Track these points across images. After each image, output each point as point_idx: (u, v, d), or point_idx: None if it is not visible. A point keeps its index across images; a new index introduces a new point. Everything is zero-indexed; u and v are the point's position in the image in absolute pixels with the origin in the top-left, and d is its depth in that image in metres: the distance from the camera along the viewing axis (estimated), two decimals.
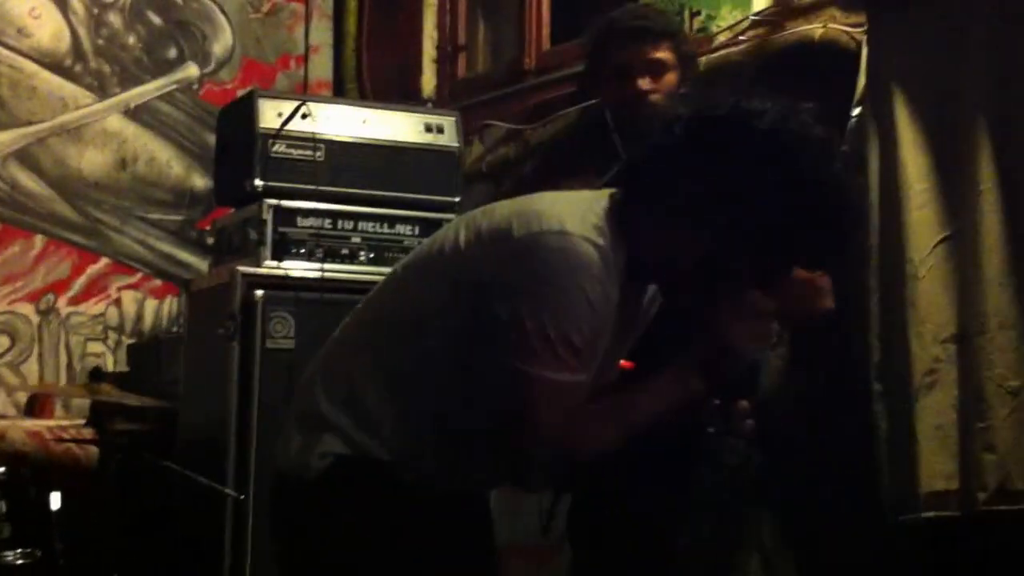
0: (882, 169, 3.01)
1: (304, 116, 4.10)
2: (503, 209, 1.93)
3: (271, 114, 4.08)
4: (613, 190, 1.92)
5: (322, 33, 5.67)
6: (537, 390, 1.80)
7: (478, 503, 2.13)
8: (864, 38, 3.15)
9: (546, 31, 4.72)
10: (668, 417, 1.88)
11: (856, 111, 3.10)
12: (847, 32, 3.26)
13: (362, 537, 1.92)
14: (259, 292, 3.80)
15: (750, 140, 1.76)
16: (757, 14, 3.59)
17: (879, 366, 3.07)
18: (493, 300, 1.83)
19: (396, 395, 1.92)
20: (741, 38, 3.66)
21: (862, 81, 3.11)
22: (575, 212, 1.85)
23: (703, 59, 3.72)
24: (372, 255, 4.01)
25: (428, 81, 5.17)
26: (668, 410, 1.87)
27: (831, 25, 3.31)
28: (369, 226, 4.04)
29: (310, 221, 4.01)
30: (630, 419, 1.87)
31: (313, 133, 4.10)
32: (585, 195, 1.93)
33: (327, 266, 3.94)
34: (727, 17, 3.79)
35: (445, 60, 5.17)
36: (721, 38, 3.78)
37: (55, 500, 4.03)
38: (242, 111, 4.21)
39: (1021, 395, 2.83)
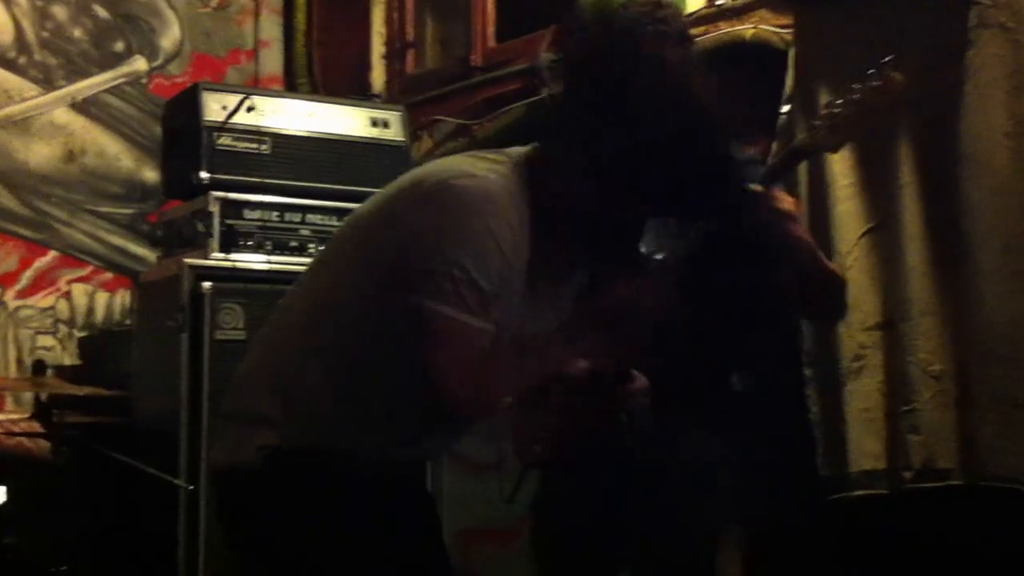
0: (810, 164, 3.20)
1: (249, 109, 4.25)
2: (412, 171, 2.05)
3: (216, 107, 4.23)
4: (527, 149, 2.02)
5: (272, 28, 5.79)
6: (442, 328, 1.85)
7: (417, 489, 2.22)
8: (792, 38, 3.34)
9: (492, 28, 4.86)
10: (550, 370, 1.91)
11: (786, 108, 3.29)
12: (777, 32, 3.45)
13: (304, 531, 1.97)
14: (207, 284, 3.94)
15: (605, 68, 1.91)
16: (691, 15, 3.77)
17: (810, 352, 3.26)
18: (406, 247, 1.89)
19: (331, 372, 2.00)
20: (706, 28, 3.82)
21: (791, 80, 3.30)
22: (481, 162, 1.95)
23: None
24: (320, 247, 4.15)
25: (378, 77, 5.31)
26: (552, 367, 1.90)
27: (761, 26, 3.51)
28: (317, 218, 4.19)
29: (257, 214, 4.15)
30: (528, 373, 1.90)
31: (258, 126, 4.25)
32: (495, 153, 2.02)
33: (275, 258, 4.09)
34: (690, 5, 3.95)
35: (394, 56, 5.31)
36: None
37: (1, 493, 4.15)
38: (187, 104, 4.35)
39: (943, 379, 3.02)
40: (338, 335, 2.00)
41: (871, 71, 2.31)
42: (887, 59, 2.30)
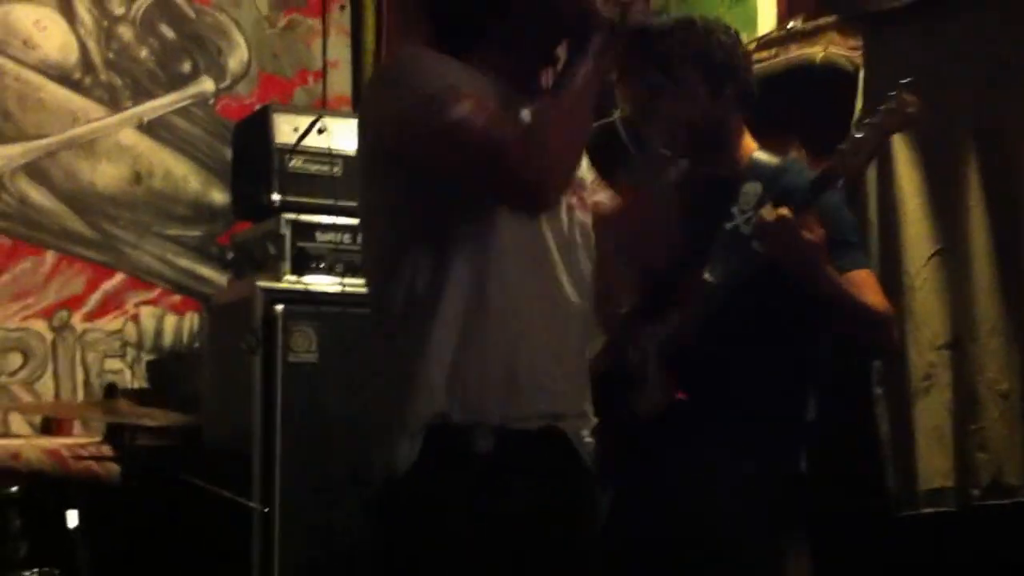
0: (880, 186, 3.58)
1: (320, 131, 4.64)
2: None
3: (287, 129, 4.63)
4: None
5: (340, 48, 6.24)
6: (459, 129, 1.97)
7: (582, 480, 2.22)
8: (861, 61, 3.73)
9: None
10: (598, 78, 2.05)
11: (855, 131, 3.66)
12: (846, 55, 3.83)
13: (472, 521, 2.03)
14: (279, 307, 4.31)
15: None
16: (761, 38, 4.16)
17: (880, 372, 3.62)
18: (393, 132, 2.06)
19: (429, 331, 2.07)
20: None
21: (860, 102, 3.67)
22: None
23: None
24: None
25: None
26: (597, 71, 2.04)
27: (831, 49, 3.88)
28: None
29: (329, 236, 4.53)
30: (571, 99, 2.02)
31: (329, 148, 4.64)
32: None
33: (347, 280, 4.44)
34: None
35: None
36: None
37: (73, 518, 4.52)
38: (257, 126, 4.77)
39: (1011, 397, 3.38)
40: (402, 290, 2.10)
41: (891, 93, 2.62)
42: (904, 81, 2.60)
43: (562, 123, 2.00)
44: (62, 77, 5.71)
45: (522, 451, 2.08)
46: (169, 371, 5.40)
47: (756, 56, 4.15)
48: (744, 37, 4.27)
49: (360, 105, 2.24)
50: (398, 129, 2.05)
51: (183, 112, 5.93)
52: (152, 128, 5.87)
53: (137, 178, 5.80)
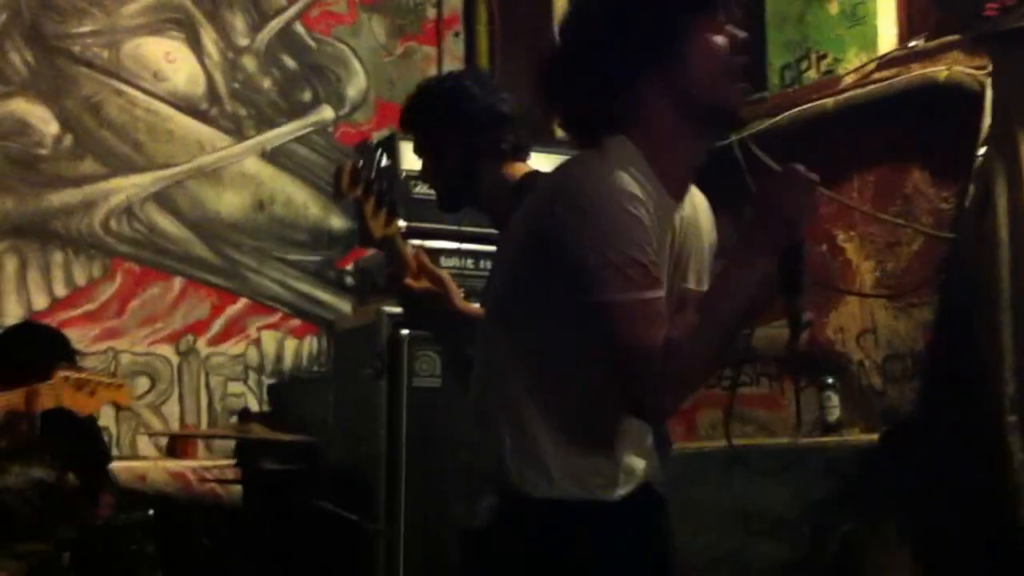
0: (1010, 206, 3.52)
1: None
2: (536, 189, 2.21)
3: (412, 155, 4.67)
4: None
5: None
6: (621, 316, 1.97)
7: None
8: (988, 80, 3.68)
9: None
10: (753, 309, 2.02)
11: (982, 151, 3.62)
12: (971, 74, 3.79)
13: None
14: (405, 332, 4.35)
15: None
16: (883, 57, 4.13)
17: (1014, 398, 3.56)
18: (557, 252, 2.02)
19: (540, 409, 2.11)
20: (868, 80, 4.19)
21: (987, 121, 3.62)
22: (600, 154, 2.08)
23: (829, 100, 4.29)
24: None
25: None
26: (751, 301, 2.00)
27: (955, 68, 3.85)
28: None
29: (453, 261, 4.56)
30: (722, 322, 1.99)
31: None
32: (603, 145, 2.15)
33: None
34: (853, 60, 4.34)
35: None
36: (847, 80, 4.32)
37: (203, 541, 4.59)
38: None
39: None
40: (523, 365, 2.13)
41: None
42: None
43: (708, 357, 2.00)
44: (189, 108, 5.89)
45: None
46: (289, 395, 5.47)
47: (876, 76, 4.13)
48: (864, 56, 4.28)
49: (534, 198, 2.17)
50: (566, 264, 2.03)
51: (303, 140, 6.06)
52: (274, 156, 6.02)
53: (260, 205, 5.94)
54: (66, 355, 4.41)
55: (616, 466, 2.14)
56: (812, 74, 4.51)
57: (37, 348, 4.39)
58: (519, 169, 2.97)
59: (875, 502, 3.07)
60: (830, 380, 4.07)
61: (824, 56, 4.47)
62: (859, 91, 4.23)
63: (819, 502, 3.30)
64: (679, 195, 2.16)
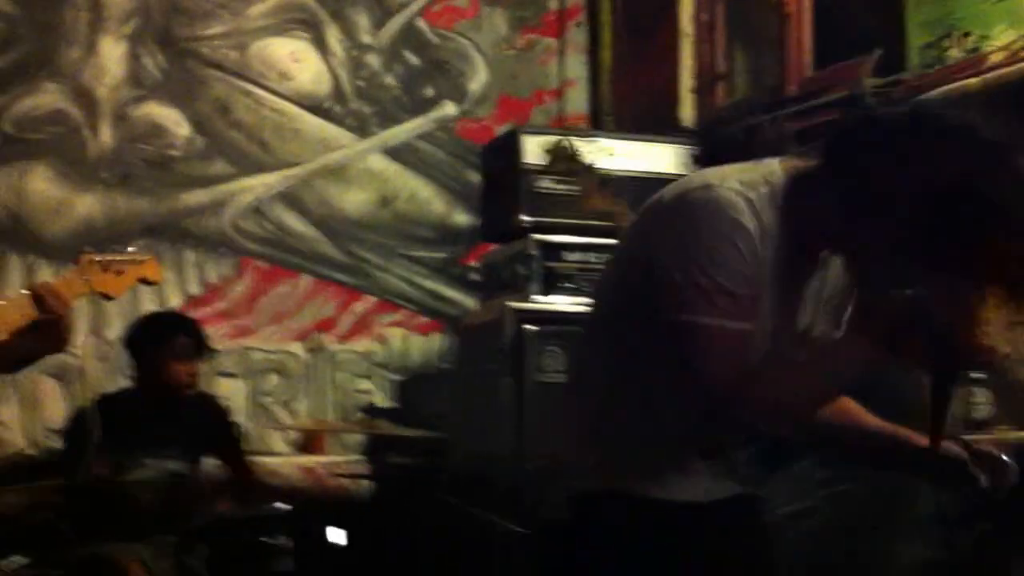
0: None
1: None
2: (664, 188, 2.16)
3: (534, 150, 4.64)
4: (789, 161, 2.10)
5: (577, 66, 6.28)
6: (702, 340, 1.98)
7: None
8: None
9: (808, 56, 5.12)
10: (842, 383, 2.04)
11: None
12: None
13: None
14: (530, 327, 4.31)
15: (958, 138, 1.93)
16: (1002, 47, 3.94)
17: None
18: (651, 265, 2.03)
19: (607, 411, 2.16)
20: (1018, 58, 4.01)
21: None
22: (725, 172, 2.07)
23: (974, 80, 4.10)
24: None
25: (687, 111, 5.64)
26: (844, 376, 2.01)
27: None
28: None
29: (576, 255, 4.52)
30: (806, 380, 2.01)
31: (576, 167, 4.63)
32: (748, 164, 2.12)
33: None
34: (1000, 36, 4.16)
35: (704, 89, 5.65)
36: (995, 58, 4.14)
37: (335, 536, 4.61)
38: (505, 147, 4.79)
39: None
40: (608, 371, 2.17)
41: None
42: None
43: (776, 394, 2.01)
44: (315, 106, 5.91)
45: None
46: (416, 391, 5.47)
47: None
48: (1012, 33, 4.09)
49: (645, 217, 2.17)
50: (643, 275, 2.05)
51: (427, 136, 6.05)
52: (397, 153, 6.01)
53: (384, 202, 5.94)
54: None
55: (683, 471, 2.16)
56: (954, 53, 4.34)
57: None
58: None
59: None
60: (978, 376, 3.91)
61: (968, 34, 4.30)
62: (1008, 69, 4.03)
63: (966, 501, 3.17)
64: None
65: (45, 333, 2.67)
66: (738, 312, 1.97)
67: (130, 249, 2.98)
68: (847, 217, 1.99)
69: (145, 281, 2.98)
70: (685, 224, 2.00)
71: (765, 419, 2.07)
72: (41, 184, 5.38)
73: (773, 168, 2.08)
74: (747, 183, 2.02)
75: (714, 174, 2.07)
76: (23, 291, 2.69)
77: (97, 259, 2.88)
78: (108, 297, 2.85)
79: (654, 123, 5.57)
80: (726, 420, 2.06)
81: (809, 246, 2.09)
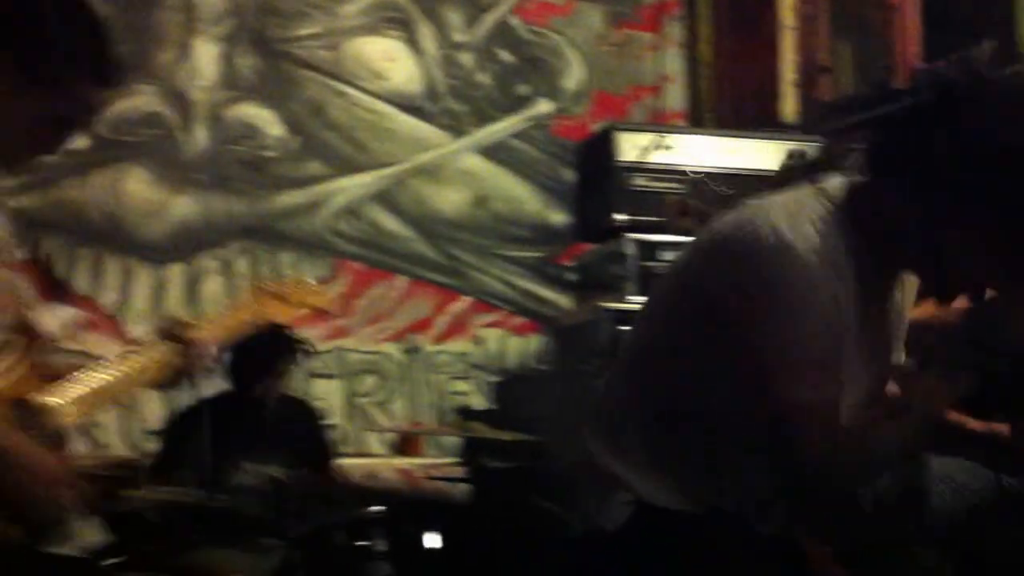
0: None
1: (665, 148, 4.56)
2: (714, 229, 2.06)
3: (629, 147, 4.56)
4: (840, 181, 1.99)
5: (674, 61, 6.19)
6: (795, 417, 1.88)
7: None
8: None
9: (916, 47, 5.00)
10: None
11: None
12: None
13: None
14: (626, 329, 4.23)
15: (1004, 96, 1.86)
16: None
17: None
18: (720, 326, 1.94)
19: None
20: None
21: None
22: (791, 209, 1.93)
23: None
24: None
25: (788, 106, 5.53)
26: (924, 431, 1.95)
27: None
28: None
29: (672, 254, 4.42)
30: (883, 444, 1.96)
31: (674, 165, 4.54)
32: (803, 192, 2.01)
33: None
34: None
35: (807, 83, 5.54)
36: None
37: (432, 539, 4.58)
38: (599, 146, 4.73)
39: None
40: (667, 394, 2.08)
41: None
42: None
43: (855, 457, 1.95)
44: (409, 106, 5.89)
45: None
46: (512, 392, 5.42)
47: None
48: None
49: (707, 249, 2.05)
50: (742, 345, 1.93)
51: (521, 134, 5.99)
52: (492, 151, 5.97)
53: (479, 201, 5.91)
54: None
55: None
56: None
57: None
58: None
59: None
60: None
61: None
62: None
63: None
64: None
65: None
66: (825, 377, 1.89)
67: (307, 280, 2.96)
68: (937, 219, 1.85)
69: (317, 310, 2.96)
70: (760, 292, 1.89)
71: (862, 480, 2.04)
72: (137, 186, 5.40)
73: (840, 193, 1.97)
74: (815, 222, 1.90)
75: (777, 217, 1.91)
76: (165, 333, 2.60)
77: (270, 286, 2.85)
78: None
79: (757, 119, 5.49)
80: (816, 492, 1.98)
81: (886, 266, 1.98)
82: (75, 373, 2.32)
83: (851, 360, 1.94)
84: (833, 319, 1.89)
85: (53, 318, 2.40)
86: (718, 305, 1.94)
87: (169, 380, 2.52)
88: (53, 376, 2.30)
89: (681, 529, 2.06)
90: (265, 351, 4.47)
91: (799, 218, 1.90)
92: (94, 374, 2.35)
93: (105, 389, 2.35)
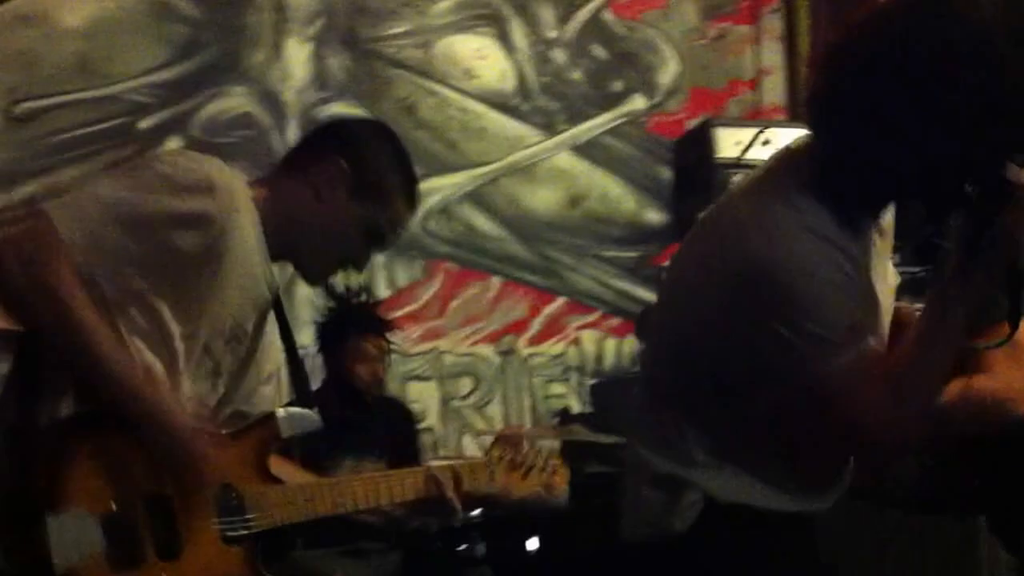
0: None
1: (765, 143, 4.47)
2: (715, 219, 2.08)
3: (728, 143, 4.50)
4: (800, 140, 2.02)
5: (773, 55, 6.08)
6: (843, 384, 1.88)
7: None
8: None
9: None
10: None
11: None
12: None
13: None
14: None
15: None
16: None
17: None
18: (745, 328, 1.93)
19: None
20: None
21: None
22: (774, 206, 1.94)
23: None
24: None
25: None
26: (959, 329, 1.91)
27: None
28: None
29: None
30: (933, 359, 1.91)
31: None
32: (773, 171, 2.04)
33: None
34: None
35: None
36: None
37: (532, 543, 4.53)
38: (698, 141, 4.67)
39: None
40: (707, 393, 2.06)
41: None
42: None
43: (920, 389, 1.92)
44: (501, 104, 5.83)
45: None
46: (611, 395, 5.35)
47: None
48: None
49: (715, 236, 2.05)
50: (768, 334, 1.92)
51: (616, 132, 5.92)
52: (586, 150, 5.89)
53: (573, 200, 5.84)
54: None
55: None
56: None
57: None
58: None
59: None
60: None
61: None
62: None
63: None
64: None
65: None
66: (861, 338, 1.91)
67: (544, 448, 2.98)
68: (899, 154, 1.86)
69: (548, 490, 2.99)
70: (775, 285, 1.90)
71: (921, 435, 1.99)
72: None
73: (796, 165, 1.99)
74: (797, 205, 1.92)
75: (763, 217, 1.94)
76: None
77: (508, 456, 2.87)
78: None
79: None
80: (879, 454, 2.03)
81: (861, 212, 1.99)
82: None
83: (874, 308, 1.98)
84: (842, 284, 1.90)
85: None
86: (748, 292, 1.93)
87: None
88: None
89: (751, 527, 2.04)
90: (354, 331, 4.46)
91: (787, 204, 1.93)
92: None
93: None
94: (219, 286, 2.33)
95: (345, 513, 2.56)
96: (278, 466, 2.50)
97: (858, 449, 2.02)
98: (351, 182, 2.46)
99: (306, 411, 2.53)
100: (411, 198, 2.53)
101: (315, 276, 2.62)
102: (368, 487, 2.61)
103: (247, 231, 2.37)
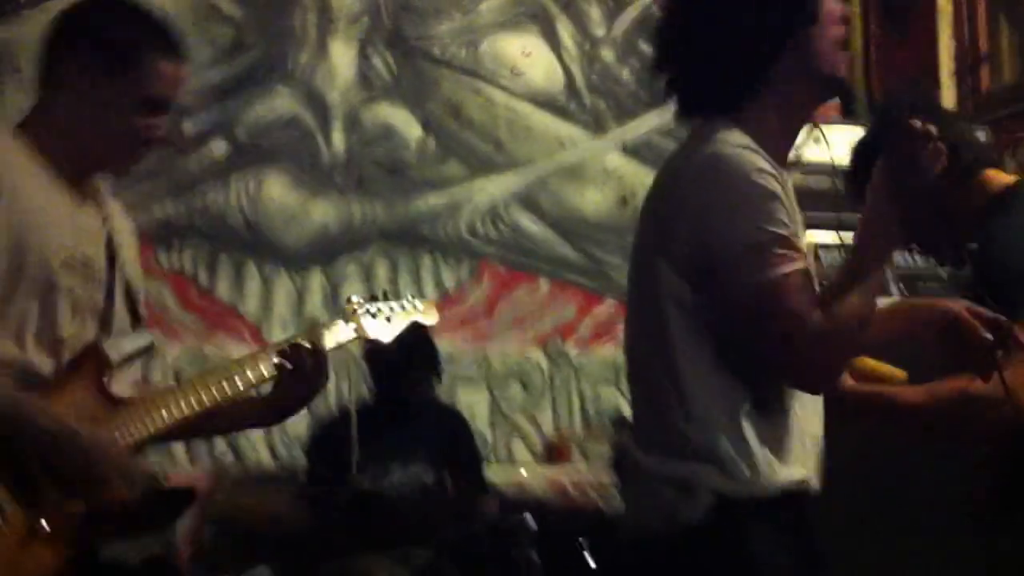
0: None
1: (816, 141, 4.39)
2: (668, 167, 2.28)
3: None
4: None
5: None
6: (776, 292, 1.95)
7: None
8: None
9: None
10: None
11: None
12: None
13: None
14: None
15: None
16: None
17: None
18: (700, 237, 2.02)
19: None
20: None
21: None
22: (705, 135, 2.15)
23: None
24: (902, 286, 4.22)
25: (947, 95, 5.33)
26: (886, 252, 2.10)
27: None
28: (899, 259, 4.25)
29: (832, 255, 4.26)
30: (865, 310, 2.00)
31: (828, 160, 4.37)
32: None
33: None
34: None
35: (966, 72, 5.32)
36: None
37: (588, 550, 4.49)
38: None
39: None
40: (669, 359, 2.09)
41: None
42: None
43: (854, 330, 2.01)
44: (548, 103, 5.78)
45: None
46: None
47: None
48: None
49: (668, 186, 2.24)
50: (712, 254, 2.02)
51: (665, 131, 5.82)
52: (635, 149, 5.83)
53: (623, 201, 5.78)
54: None
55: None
56: None
57: None
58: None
59: None
60: None
61: None
62: None
63: None
64: (785, 165, 2.22)
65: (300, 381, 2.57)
66: (798, 253, 1.99)
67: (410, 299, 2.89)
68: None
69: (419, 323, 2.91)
70: (721, 188, 2.03)
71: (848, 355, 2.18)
72: (276, 191, 5.35)
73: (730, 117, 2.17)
74: (737, 132, 2.11)
75: (709, 136, 2.14)
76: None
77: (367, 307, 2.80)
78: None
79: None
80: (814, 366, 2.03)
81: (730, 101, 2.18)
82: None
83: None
84: (780, 193, 2.05)
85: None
86: (685, 216, 2.08)
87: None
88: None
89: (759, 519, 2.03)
90: (405, 354, 4.42)
91: (737, 131, 2.13)
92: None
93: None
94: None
95: (205, 411, 2.43)
96: (121, 389, 2.43)
97: (789, 366, 2.03)
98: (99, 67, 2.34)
99: (131, 332, 2.47)
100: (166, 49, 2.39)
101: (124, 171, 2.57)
102: (215, 379, 2.46)
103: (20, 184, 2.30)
